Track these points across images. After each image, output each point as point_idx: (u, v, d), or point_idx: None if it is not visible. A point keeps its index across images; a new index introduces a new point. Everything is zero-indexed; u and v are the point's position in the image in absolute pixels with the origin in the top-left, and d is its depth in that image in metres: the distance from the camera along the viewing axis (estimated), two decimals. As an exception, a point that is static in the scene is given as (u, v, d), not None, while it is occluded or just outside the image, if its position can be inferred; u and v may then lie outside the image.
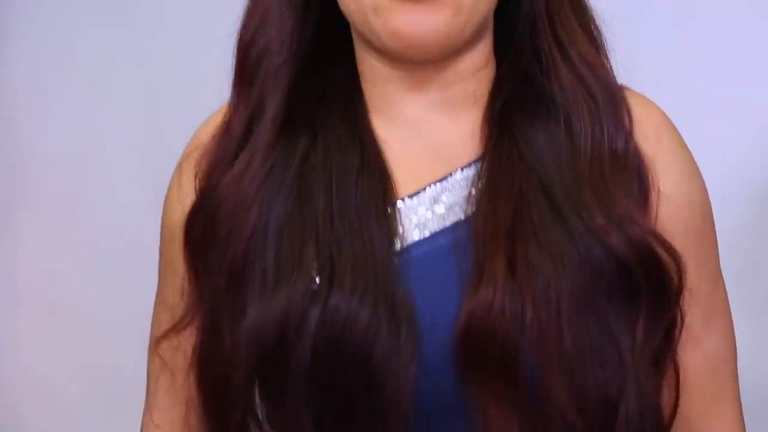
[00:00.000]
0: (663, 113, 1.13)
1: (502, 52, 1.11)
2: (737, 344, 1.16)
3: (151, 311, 1.20)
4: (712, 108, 1.85)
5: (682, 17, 1.87)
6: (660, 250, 1.04)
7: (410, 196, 1.06)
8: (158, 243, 1.17)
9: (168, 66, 2.07)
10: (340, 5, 1.06)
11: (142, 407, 1.22)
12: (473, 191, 1.05)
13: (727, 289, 1.15)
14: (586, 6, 1.11)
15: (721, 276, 1.14)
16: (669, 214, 1.07)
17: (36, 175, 2.16)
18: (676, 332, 1.07)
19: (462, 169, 1.07)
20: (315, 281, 1.00)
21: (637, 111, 1.09)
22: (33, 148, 2.15)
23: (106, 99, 2.11)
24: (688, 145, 1.14)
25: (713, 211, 1.14)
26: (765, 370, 1.77)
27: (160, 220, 1.14)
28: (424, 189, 1.06)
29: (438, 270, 1.02)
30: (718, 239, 1.14)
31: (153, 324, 1.18)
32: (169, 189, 1.16)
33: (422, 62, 1.06)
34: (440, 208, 1.05)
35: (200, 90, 2.04)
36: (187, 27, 2.06)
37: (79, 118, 2.12)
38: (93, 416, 2.13)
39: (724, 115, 1.85)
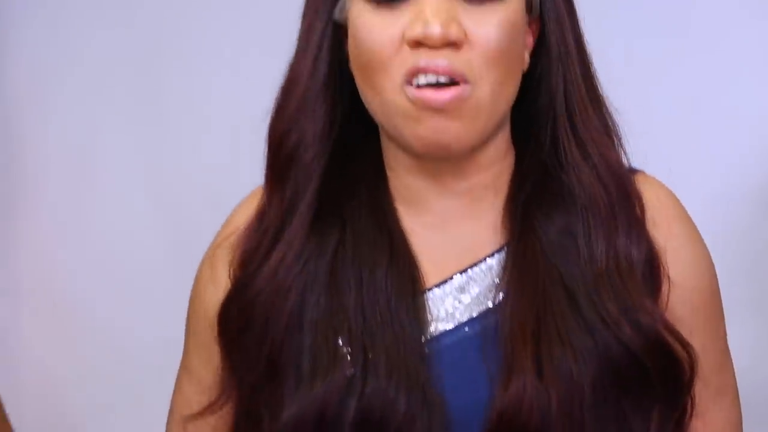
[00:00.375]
0: (672, 196, 1.15)
1: (520, 140, 1.14)
2: (739, 345, 1.16)
3: (152, 311, 1.19)
4: (714, 109, 1.84)
5: (680, 18, 1.87)
6: (671, 341, 1.07)
7: (438, 286, 1.10)
8: (159, 243, 1.17)
9: (168, 66, 2.07)
10: (367, 108, 1.10)
11: (142, 406, 1.21)
12: (497, 281, 1.09)
13: (730, 289, 1.15)
14: (600, 94, 1.14)
15: (728, 348, 1.16)
16: (677, 298, 1.11)
17: (36, 175, 2.15)
18: (687, 418, 1.11)
19: (486, 259, 1.11)
20: (349, 371, 1.05)
21: (648, 197, 1.13)
22: (33, 148, 2.15)
23: (106, 98, 2.10)
24: (688, 146, 1.13)
25: (717, 211, 1.14)
26: (767, 370, 1.77)
27: (160, 220, 1.13)
28: (451, 278, 1.10)
29: (466, 359, 1.07)
30: (721, 240, 1.14)
31: (177, 393, 1.20)
32: (202, 269, 1.18)
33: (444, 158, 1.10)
34: (466, 298, 1.09)
35: (201, 89, 2.04)
36: (187, 26, 2.06)
37: (79, 117, 2.12)
38: (95, 414, 2.12)
39: (726, 116, 1.85)
